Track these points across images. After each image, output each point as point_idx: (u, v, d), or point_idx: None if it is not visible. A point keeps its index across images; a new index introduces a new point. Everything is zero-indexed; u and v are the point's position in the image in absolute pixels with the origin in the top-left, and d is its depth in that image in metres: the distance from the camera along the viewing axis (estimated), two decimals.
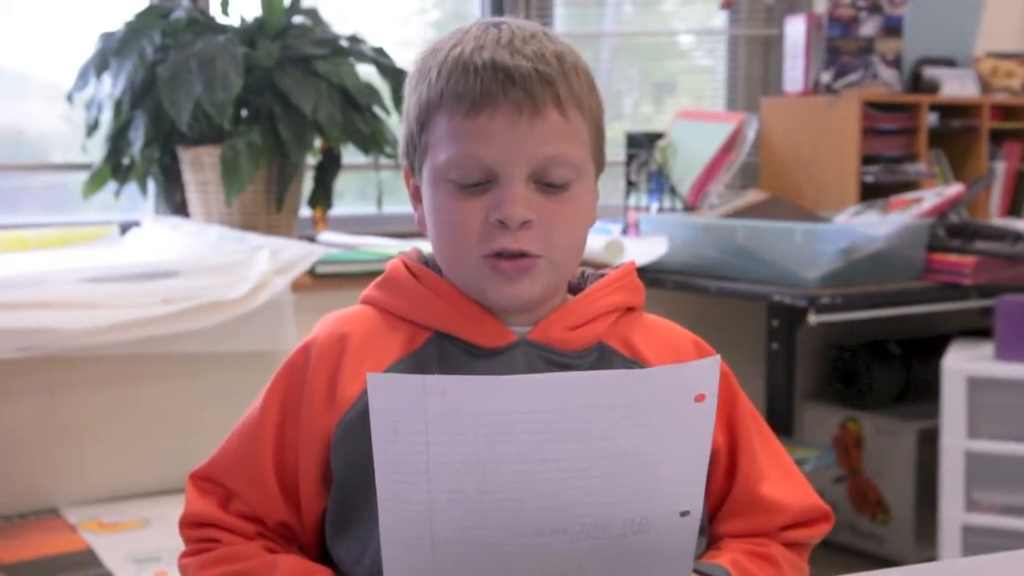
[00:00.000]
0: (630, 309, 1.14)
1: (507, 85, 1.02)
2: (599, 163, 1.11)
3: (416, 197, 1.12)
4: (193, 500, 1.10)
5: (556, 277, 1.07)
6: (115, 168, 2.89)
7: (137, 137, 2.81)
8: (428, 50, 1.09)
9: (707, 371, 0.90)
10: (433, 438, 0.86)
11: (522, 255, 1.04)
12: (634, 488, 0.90)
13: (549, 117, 1.03)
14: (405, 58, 3.08)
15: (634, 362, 1.10)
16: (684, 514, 0.92)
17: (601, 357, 1.09)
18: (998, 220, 3.41)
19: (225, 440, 1.11)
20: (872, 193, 3.22)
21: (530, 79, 1.02)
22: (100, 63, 2.82)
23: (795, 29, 3.44)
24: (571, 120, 1.05)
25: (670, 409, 0.89)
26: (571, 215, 1.06)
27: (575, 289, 1.14)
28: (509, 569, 0.91)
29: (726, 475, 1.13)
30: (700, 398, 0.89)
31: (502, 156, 1.02)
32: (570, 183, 1.05)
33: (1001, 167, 3.56)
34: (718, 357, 0.92)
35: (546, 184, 1.04)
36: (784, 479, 1.15)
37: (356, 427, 1.04)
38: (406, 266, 1.12)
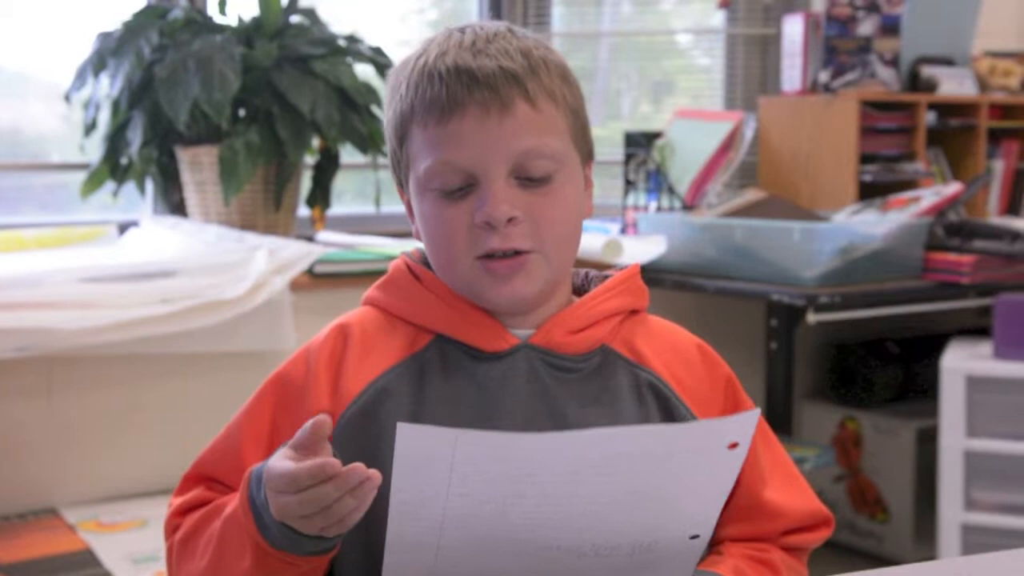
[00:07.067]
0: (634, 312, 1.13)
1: (472, 86, 1.01)
2: (585, 151, 1.10)
3: (411, 211, 1.12)
4: (178, 495, 1.10)
5: (552, 271, 1.06)
6: (113, 168, 2.89)
7: (135, 137, 2.81)
8: (399, 64, 1.09)
9: (745, 424, 0.89)
10: (457, 479, 0.85)
11: (514, 253, 1.03)
12: (653, 519, 0.90)
13: (518, 111, 1.02)
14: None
15: (637, 366, 1.10)
16: (694, 537, 0.92)
17: (604, 361, 1.09)
18: (996, 219, 3.41)
19: (209, 446, 1.12)
20: (870, 192, 3.22)
21: (493, 77, 1.01)
22: (98, 63, 2.81)
23: (793, 28, 3.44)
24: (543, 111, 1.04)
25: (703, 457, 0.89)
26: (558, 206, 1.05)
27: (579, 291, 1.14)
28: (508, 574, 0.91)
29: None
30: (733, 446, 0.89)
31: (477, 157, 1.02)
32: (552, 174, 1.04)
33: (999, 166, 3.56)
34: (757, 411, 0.91)
35: (528, 179, 1.03)
36: (786, 484, 1.14)
37: (355, 426, 1.04)
38: (408, 267, 1.12)
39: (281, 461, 0.93)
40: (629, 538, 0.90)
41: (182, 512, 1.09)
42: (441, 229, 1.05)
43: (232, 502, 1.01)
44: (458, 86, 1.02)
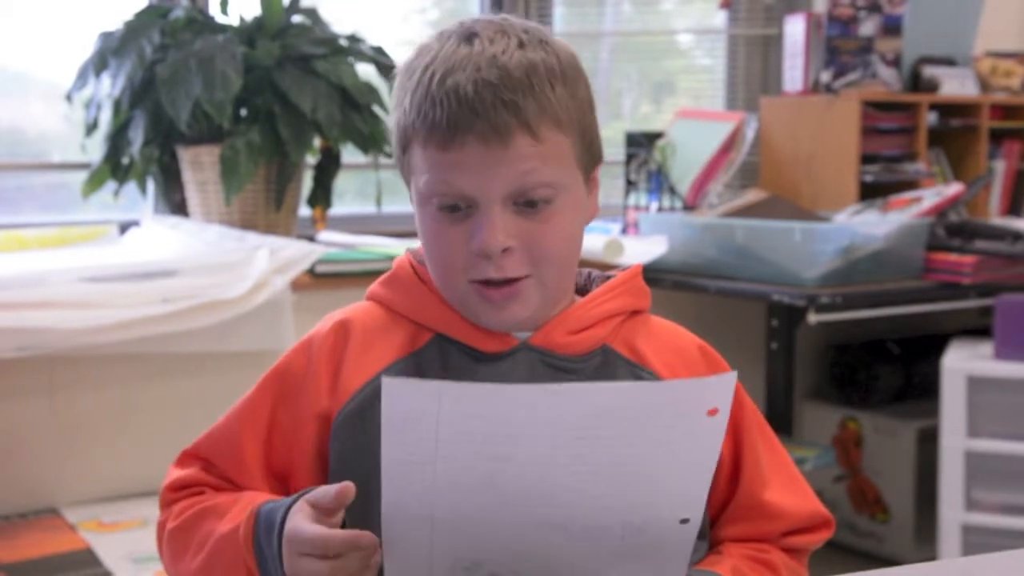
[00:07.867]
0: (636, 312, 1.13)
1: (472, 118, 1.00)
2: (591, 161, 1.09)
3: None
4: (174, 471, 1.13)
5: (547, 293, 1.07)
6: (114, 167, 2.89)
7: (136, 136, 2.81)
8: (406, 65, 1.08)
9: (723, 387, 0.89)
10: (444, 437, 0.86)
11: (510, 280, 1.03)
12: (639, 494, 0.90)
13: (518, 143, 1.01)
14: (404, 57, 3.08)
15: (638, 367, 1.10)
16: (684, 521, 0.92)
17: (605, 361, 1.09)
18: (997, 219, 3.41)
19: (210, 429, 1.15)
20: (871, 192, 3.22)
21: (494, 109, 1.00)
22: (99, 62, 2.81)
23: (794, 28, 3.44)
24: (544, 140, 1.02)
25: (683, 422, 0.89)
26: (555, 231, 1.05)
27: (581, 291, 1.14)
28: (504, 551, 0.92)
29: (730, 480, 1.13)
30: (713, 412, 0.89)
31: (476, 184, 1.02)
32: (552, 199, 1.04)
33: (1000, 166, 3.56)
34: (735, 373, 0.91)
35: (526, 204, 1.03)
36: (787, 485, 1.14)
37: (353, 421, 1.05)
38: (412, 266, 1.12)
39: (307, 523, 0.94)
40: (618, 517, 0.90)
41: (176, 488, 1.12)
42: (439, 248, 1.05)
43: (228, 515, 1.03)
44: (459, 117, 1.01)
